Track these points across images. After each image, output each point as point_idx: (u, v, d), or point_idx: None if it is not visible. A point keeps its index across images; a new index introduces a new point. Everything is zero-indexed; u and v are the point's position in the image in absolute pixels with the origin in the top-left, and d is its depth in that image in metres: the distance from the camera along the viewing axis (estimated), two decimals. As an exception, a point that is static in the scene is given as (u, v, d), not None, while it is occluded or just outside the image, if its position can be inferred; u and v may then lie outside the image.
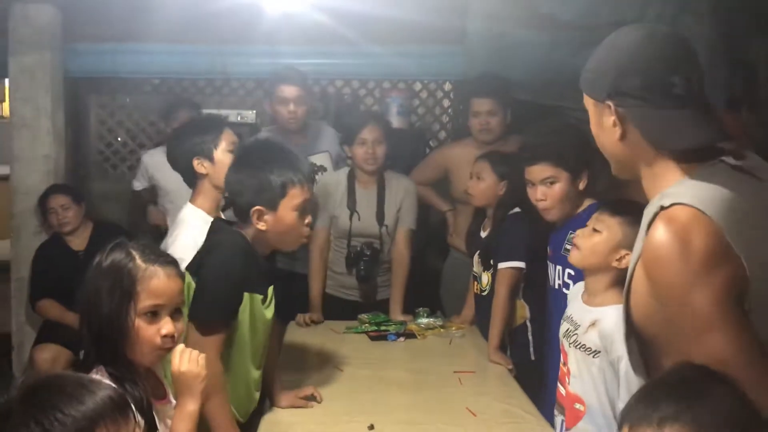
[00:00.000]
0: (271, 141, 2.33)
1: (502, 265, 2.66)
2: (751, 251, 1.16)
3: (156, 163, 3.42)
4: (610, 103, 1.27)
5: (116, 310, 1.46)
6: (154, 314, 1.50)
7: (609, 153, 1.35)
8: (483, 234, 2.86)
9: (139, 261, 1.50)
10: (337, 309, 3.04)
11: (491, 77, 3.28)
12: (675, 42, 1.28)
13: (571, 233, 2.18)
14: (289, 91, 3.13)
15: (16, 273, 3.53)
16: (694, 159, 1.24)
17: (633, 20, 3.33)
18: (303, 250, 3.13)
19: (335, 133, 3.32)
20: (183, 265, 1.99)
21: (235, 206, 1.98)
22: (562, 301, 2.24)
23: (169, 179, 3.01)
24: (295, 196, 1.94)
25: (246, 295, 1.91)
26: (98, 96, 4.06)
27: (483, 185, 2.78)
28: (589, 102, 1.34)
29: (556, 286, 2.35)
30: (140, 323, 1.48)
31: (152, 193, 3.63)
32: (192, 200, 2.38)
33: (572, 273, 2.26)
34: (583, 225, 2.02)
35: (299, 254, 3.12)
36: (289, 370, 2.37)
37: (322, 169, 3.22)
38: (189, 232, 2.19)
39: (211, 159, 2.33)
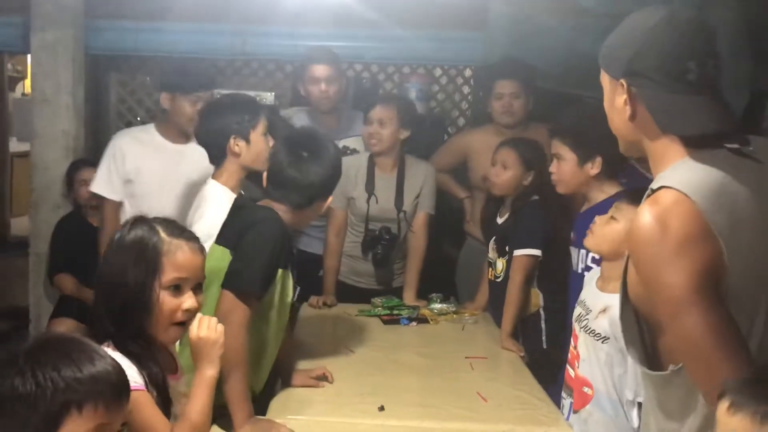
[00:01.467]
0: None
1: (517, 252, 2.65)
2: (733, 235, 1.16)
3: (137, 151, 2.90)
4: (623, 81, 1.27)
5: (141, 283, 1.48)
6: (177, 288, 1.52)
7: (617, 130, 1.36)
8: (500, 220, 2.85)
9: (163, 235, 1.53)
10: (347, 296, 3.04)
11: (516, 60, 3.25)
12: (696, 27, 1.27)
13: (597, 218, 2.18)
14: (320, 70, 3.12)
15: (35, 248, 3.56)
16: (697, 143, 1.24)
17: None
18: (316, 231, 3.16)
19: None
20: (210, 242, 2.06)
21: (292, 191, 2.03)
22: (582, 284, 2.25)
23: (154, 173, 2.84)
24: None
25: (279, 271, 1.97)
26: (118, 74, 4.07)
27: (508, 174, 2.74)
28: (605, 78, 1.34)
29: (579, 270, 2.36)
30: (164, 297, 1.50)
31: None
32: (216, 177, 2.39)
33: (597, 257, 2.25)
34: (607, 211, 2.05)
35: (313, 234, 3.14)
36: (302, 351, 2.38)
37: (354, 152, 3.21)
38: (216, 208, 2.21)
39: (247, 140, 2.35)
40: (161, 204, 2.62)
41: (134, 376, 1.43)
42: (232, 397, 1.84)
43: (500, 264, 2.79)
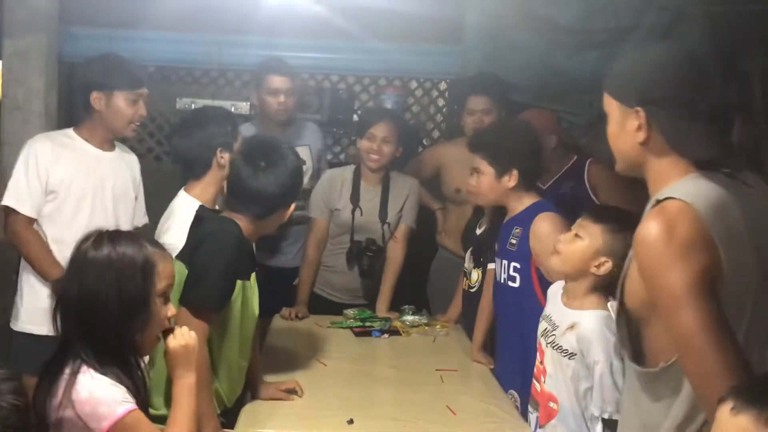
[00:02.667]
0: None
1: (491, 266, 2.67)
2: (729, 244, 1.28)
3: (63, 158, 2.51)
4: (638, 108, 1.38)
5: (141, 296, 1.48)
6: (165, 297, 1.54)
7: (621, 152, 1.46)
8: (478, 231, 2.87)
9: (149, 247, 1.53)
10: (320, 308, 3.04)
11: (489, 76, 3.29)
12: (703, 64, 1.41)
13: (515, 228, 2.42)
14: (279, 82, 3.11)
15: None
16: (700, 166, 1.37)
17: (629, 27, 3.35)
18: (287, 245, 3.16)
19: (319, 130, 3.33)
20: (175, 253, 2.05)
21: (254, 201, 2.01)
22: (507, 294, 2.33)
23: (81, 183, 2.50)
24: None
25: (238, 283, 1.95)
26: (74, 81, 4.03)
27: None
28: (612, 104, 1.44)
29: (502, 281, 2.45)
30: (157, 307, 1.52)
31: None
32: (188, 189, 2.38)
33: (518, 266, 2.39)
34: (527, 222, 2.31)
35: (284, 249, 3.14)
36: (272, 363, 2.37)
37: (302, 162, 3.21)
38: (184, 221, 2.18)
39: (231, 152, 2.34)
40: (88, 217, 2.47)
41: (123, 396, 1.43)
42: (199, 412, 1.82)
43: (475, 274, 2.80)
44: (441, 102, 4.14)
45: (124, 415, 1.41)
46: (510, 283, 2.41)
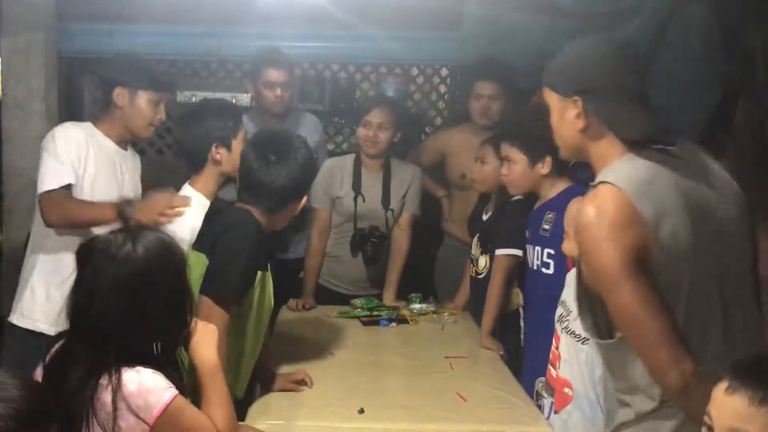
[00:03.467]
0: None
1: (499, 252, 2.66)
2: (658, 220, 1.37)
3: (88, 149, 2.44)
4: (576, 98, 1.49)
5: (181, 291, 1.49)
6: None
7: (563, 139, 1.58)
8: (485, 217, 2.87)
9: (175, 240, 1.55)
10: (325, 298, 3.04)
11: (496, 61, 3.27)
12: (625, 50, 1.55)
13: (548, 213, 2.41)
14: (276, 75, 3.08)
15: (8, 255, 3.51)
16: (633, 144, 1.47)
17: (631, 10, 3.32)
18: (287, 237, 3.16)
19: (317, 122, 3.30)
20: (184, 246, 2.06)
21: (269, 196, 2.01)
22: (540, 281, 2.32)
23: (99, 174, 2.43)
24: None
25: (258, 274, 1.97)
26: (93, 77, 4.02)
27: (487, 169, 2.79)
28: (552, 96, 1.56)
29: (535, 267, 2.43)
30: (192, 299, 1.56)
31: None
32: (192, 183, 2.38)
33: (552, 252, 2.36)
34: (560, 207, 2.29)
35: (285, 241, 3.13)
36: (281, 355, 2.37)
37: None
38: (189, 217, 2.20)
39: (228, 147, 2.33)
40: None
41: (167, 382, 1.43)
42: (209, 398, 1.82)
43: (483, 261, 2.80)
44: (443, 88, 4.12)
45: (171, 401, 1.41)
46: (544, 270, 2.40)
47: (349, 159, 3.10)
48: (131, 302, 1.41)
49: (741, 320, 1.47)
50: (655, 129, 1.48)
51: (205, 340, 1.58)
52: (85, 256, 1.45)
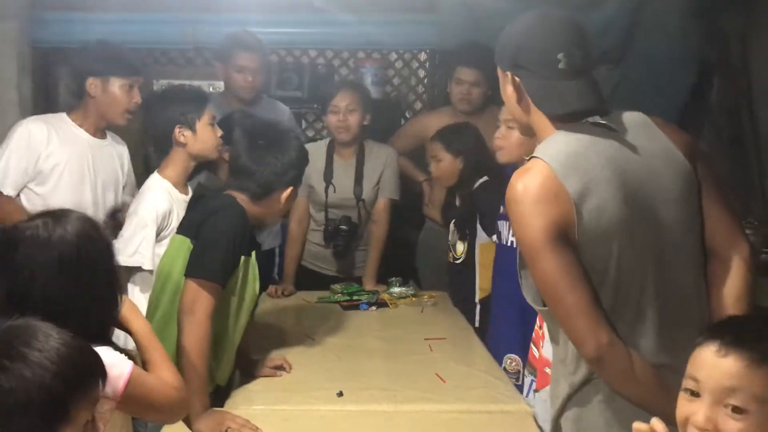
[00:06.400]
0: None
1: (482, 242, 2.67)
2: (585, 194, 1.40)
3: (54, 141, 2.49)
4: (509, 73, 1.53)
5: (115, 269, 1.50)
6: None
7: (512, 114, 1.61)
8: (458, 203, 2.87)
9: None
10: (310, 282, 3.04)
11: (479, 47, 3.24)
12: (565, 25, 1.52)
13: None
14: (247, 59, 3.04)
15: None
16: (565, 119, 1.49)
17: (606, -8, 3.33)
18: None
19: (287, 110, 3.26)
20: (146, 232, 2.18)
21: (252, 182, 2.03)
22: (510, 256, 2.32)
23: (72, 167, 2.48)
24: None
25: (241, 259, 1.97)
26: (67, 67, 3.97)
27: (443, 165, 2.80)
28: (499, 71, 1.58)
29: (508, 243, 2.41)
30: None
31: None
32: (161, 170, 2.38)
33: None
34: None
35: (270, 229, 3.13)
36: (259, 341, 2.36)
37: None
38: (153, 200, 2.23)
39: (193, 129, 2.33)
40: (77, 204, 2.39)
41: (119, 355, 1.43)
42: (190, 389, 1.82)
43: (461, 247, 2.81)
44: (422, 73, 4.13)
45: (132, 371, 1.42)
46: (515, 246, 2.38)
47: (323, 145, 3.08)
48: (75, 283, 1.40)
49: (681, 296, 1.48)
50: (586, 104, 1.48)
51: (133, 309, 1.59)
52: (7, 245, 1.40)
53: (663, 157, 1.49)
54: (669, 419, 1.07)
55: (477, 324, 2.66)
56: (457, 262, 2.81)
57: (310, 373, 2.17)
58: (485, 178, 2.70)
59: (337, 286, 2.95)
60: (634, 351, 1.42)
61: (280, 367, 2.17)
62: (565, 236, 1.40)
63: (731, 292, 1.51)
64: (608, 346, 1.38)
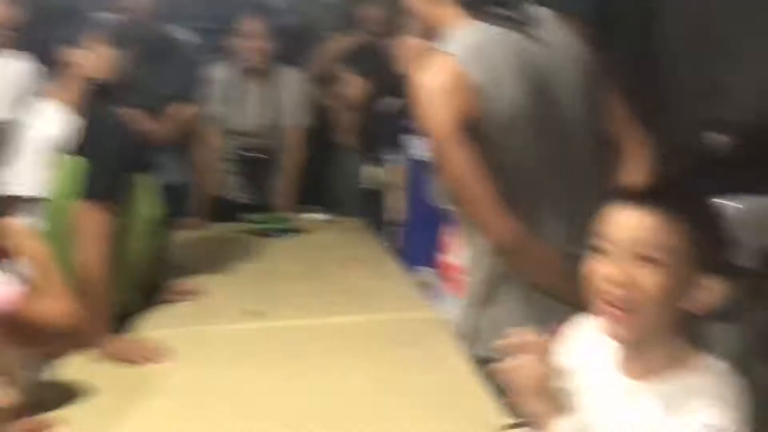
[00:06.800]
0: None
1: (395, 165, 2.63)
2: (491, 86, 1.38)
3: None
4: None
5: None
6: None
7: (418, 14, 1.58)
8: (369, 126, 2.81)
9: None
10: (225, 212, 2.95)
11: None
12: None
13: None
14: (253, 24, 2.86)
15: None
16: (470, 9, 1.46)
17: None
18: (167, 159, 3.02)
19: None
20: (34, 157, 2.02)
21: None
22: (422, 172, 2.31)
23: None
24: None
25: (137, 179, 1.88)
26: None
27: (351, 87, 2.76)
28: None
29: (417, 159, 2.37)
30: None
31: None
32: (51, 93, 2.23)
33: None
34: None
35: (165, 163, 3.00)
36: (174, 273, 2.25)
37: None
38: (41, 125, 2.10)
39: (82, 48, 2.17)
40: None
41: (6, 278, 1.36)
42: (91, 312, 1.73)
43: (373, 170, 2.77)
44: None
45: (19, 294, 1.34)
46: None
47: (230, 71, 2.95)
48: None
49: (588, 187, 1.49)
50: None
51: (26, 234, 1.49)
52: None
53: (564, 48, 1.49)
54: (583, 306, 1.08)
55: (393, 245, 2.65)
56: (372, 187, 2.78)
57: (222, 297, 2.11)
58: (395, 99, 2.64)
59: (253, 216, 2.87)
60: (544, 240, 1.43)
61: (189, 293, 2.10)
62: (472, 128, 1.38)
63: (633, 180, 1.53)
64: (517, 236, 1.39)
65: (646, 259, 0.96)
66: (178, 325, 1.92)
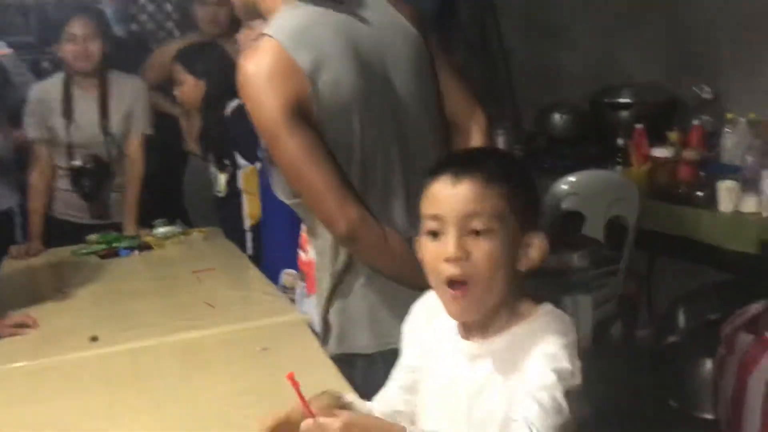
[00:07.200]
0: None
1: (244, 169, 2.53)
2: (318, 69, 1.33)
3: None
4: None
5: None
6: None
7: (240, 2, 1.53)
8: (213, 133, 2.68)
9: None
10: (64, 235, 2.72)
11: None
12: None
13: None
14: (79, 25, 2.62)
15: None
16: None
17: None
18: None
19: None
20: None
21: None
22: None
23: None
24: None
25: None
26: None
27: (185, 89, 2.62)
28: None
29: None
30: None
31: None
32: None
33: None
34: None
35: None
36: (4, 307, 2.04)
37: None
38: None
39: None
40: None
41: None
42: None
43: (222, 177, 2.65)
44: (169, 7, 3.84)
45: None
46: None
47: (58, 80, 2.73)
48: None
49: (425, 168, 1.47)
50: None
51: None
52: None
53: (394, 29, 1.46)
54: (426, 289, 1.07)
55: (250, 252, 2.56)
56: (220, 195, 2.66)
57: (60, 326, 1.93)
58: (237, 101, 2.54)
59: (92, 237, 2.66)
60: (386, 226, 1.39)
61: (23, 325, 1.90)
62: (304, 113, 1.33)
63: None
64: (359, 222, 1.34)
65: (480, 232, 0.94)
66: (7, 360, 1.72)
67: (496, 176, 0.97)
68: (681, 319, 2.76)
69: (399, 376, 1.12)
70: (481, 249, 0.94)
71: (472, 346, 1.00)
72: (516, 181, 0.99)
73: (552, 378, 0.89)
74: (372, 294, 1.43)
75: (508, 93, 3.99)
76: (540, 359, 0.92)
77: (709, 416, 2.54)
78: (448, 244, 0.95)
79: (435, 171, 1.01)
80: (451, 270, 0.95)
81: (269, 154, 1.40)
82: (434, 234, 0.98)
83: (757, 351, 2.07)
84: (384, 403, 1.11)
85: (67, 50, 2.65)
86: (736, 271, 2.69)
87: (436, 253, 0.97)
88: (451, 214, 0.95)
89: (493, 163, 1.00)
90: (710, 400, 2.46)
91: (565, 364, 0.91)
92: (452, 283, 0.96)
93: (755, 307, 2.15)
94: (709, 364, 2.56)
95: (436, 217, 0.97)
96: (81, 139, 2.69)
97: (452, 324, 1.03)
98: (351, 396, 1.14)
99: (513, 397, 0.92)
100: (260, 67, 1.32)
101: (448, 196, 0.97)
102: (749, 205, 2.32)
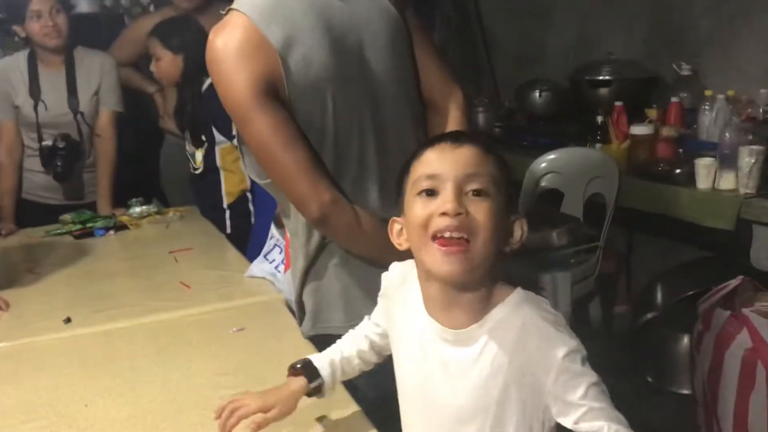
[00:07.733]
0: None
1: (222, 145, 2.51)
2: (290, 45, 1.29)
3: None
4: None
5: None
6: None
7: None
8: (189, 108, 2.63)
9: None
10: (37, 216, 2.67)
11: None
12: None
13: None
14: (39, 1, 2.54)
15: None
16: None
17: None
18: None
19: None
20: None
21: None
22: None
23: None
24: None
25: None
26: None
27: (162, 64, 2.56)
28: None
29: None
30: None
31: None
32: None
33: None
34: None
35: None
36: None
37: None
38: None
39: None
40: None
41: None
42: None
43: (198, 155, 2.61)
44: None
45: None
46: None
47: (22, 58, 2.66)
48: None
49: (403, 149, 1.37)
50: None
51: None
52: None
53: (369, 5, 1.40)
54: None
55: (228, 230, 2.53)
56: (197, 172, 2.62)
57: (33, 307, 1.89)
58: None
59: (67, 216, 2.62)
60: (358, 207, 1.36)
61: (-7, 308, 1.86)
62: (275, 92, 1.28)
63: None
64: (331, 205, 1.31)
65: (477, 192, 0.93)
66: (-22, 344, 1.69)
67: (492, 149, 0.98)
68: (659, 296, 2.78)
69: (367, 325, 1.19)
70: (481, 208, 0.92)
71: (446, 331, 0.97)
72: (502, 161, 0.98)
73: (582, 387, 0.90)
74: (345, 274, 1.41)
75: (487, 70, 3.96)
76: (556, 366, 0.90)
77: (686, 391, 2.57)
78: (447, 199, 0.92)
79: (429, 143, 0.99)
80: (447, 221, 0.91)
81: (241, 131, 1.35)
82: (429, 192, 0.95)
83: (733, 327, 2.09)
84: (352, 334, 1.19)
85: (34, 28, 2.57)
86: (714, 248, 2.71)
87: (430, 210, 0.93)
88: (451, 172, 0.93)
89: (484, 139, 1.01)
90: (687, 376, 2.49)
91: (573, 342, 0.91)
92: (445, 241, 0.92)
93: (732, 284, 2.17)
94: (686, 340, 2.58)
95: (432, 176, 0.94)
96: (50, 119, 2.64)
97: (418, 297, 1.01)
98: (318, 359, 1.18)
99: (509, 390, 0.93)
100: (229, 44, 1.27)
101: (449, 156, 0.95)
102: (727, 182, 2.33)
